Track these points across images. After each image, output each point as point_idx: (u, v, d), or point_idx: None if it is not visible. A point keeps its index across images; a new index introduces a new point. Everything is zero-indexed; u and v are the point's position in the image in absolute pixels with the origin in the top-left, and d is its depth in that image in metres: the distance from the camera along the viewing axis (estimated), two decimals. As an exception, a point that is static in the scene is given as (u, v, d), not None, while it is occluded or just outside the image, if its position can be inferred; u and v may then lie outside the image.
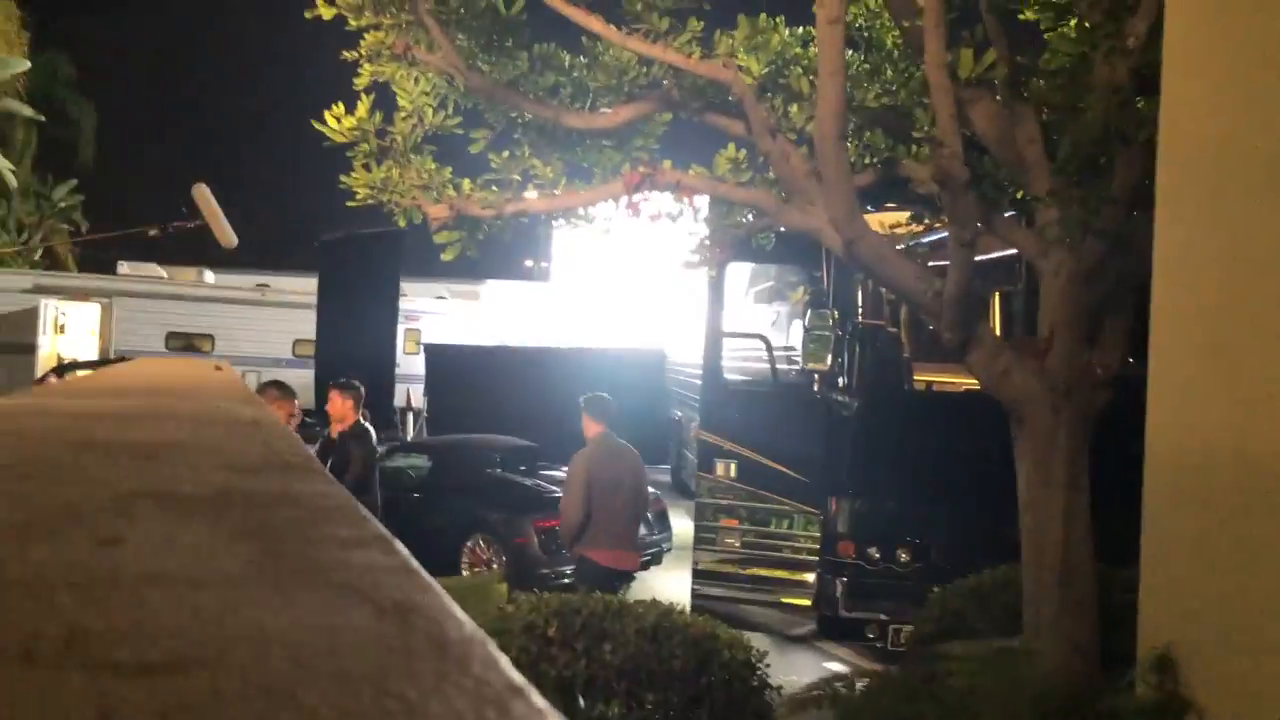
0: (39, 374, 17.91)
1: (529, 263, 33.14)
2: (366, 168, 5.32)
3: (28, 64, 19.56)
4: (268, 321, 20.06)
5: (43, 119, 20.74)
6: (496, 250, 6.76)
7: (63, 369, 15.53)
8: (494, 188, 5.61)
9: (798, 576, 8.01)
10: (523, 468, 10.92)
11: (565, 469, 7.71)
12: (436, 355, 17.51)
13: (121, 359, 17.74)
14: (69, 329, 20.03)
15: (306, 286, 20.47)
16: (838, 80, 4.50)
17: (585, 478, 6.42)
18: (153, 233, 6.83)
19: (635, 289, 21.58)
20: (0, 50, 19.62)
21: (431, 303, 22.44)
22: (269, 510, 0.69)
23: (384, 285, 18.24)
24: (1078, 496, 4.46)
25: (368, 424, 7.50)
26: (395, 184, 5.19)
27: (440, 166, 5.41)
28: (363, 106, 5.36)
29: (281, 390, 6.76)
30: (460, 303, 23.57)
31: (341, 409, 7.23)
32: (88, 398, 1.85)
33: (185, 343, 19.41)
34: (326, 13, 5.41)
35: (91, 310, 19.86)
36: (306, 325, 19.64)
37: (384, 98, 5.86)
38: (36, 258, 27.06)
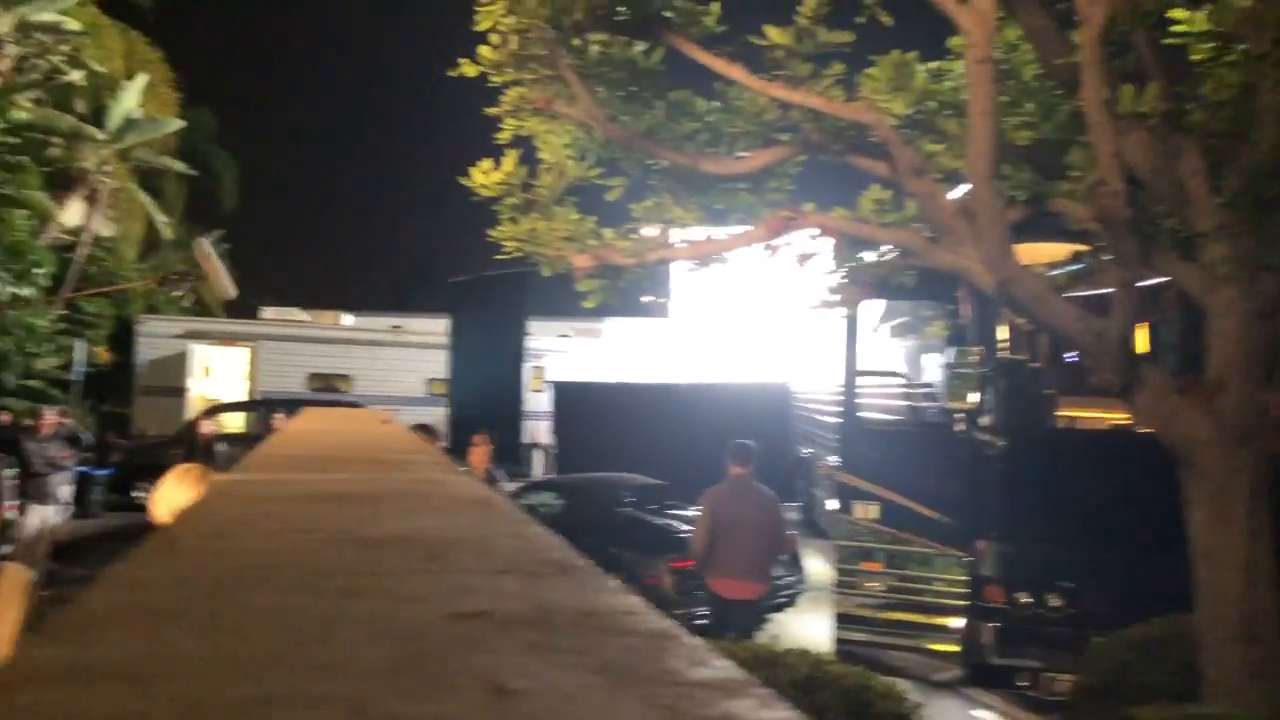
0: (188, 415, 18.87)
1: (647, 299, 33.34)
2: (513, 220, 5.45)
3: (182, 123, 20.81)
4: (402, 361, 20.70)
5: (194, 173, 21.98)
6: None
7: (213, 411, 16.30)
8: (634, 236, 5.69)
9: (941, 621, 7.77)
10: (653, 506, 10.92)
11: (694, 508, 7.79)
12: (564, 392, 17.72)
13: (265, 400, 18.54)
14: (216, 372, 21.06)
15: (438, 327, 21.10)
16: (988, 120, 4.42)
17: (710, 513, 6.91)
18: (150, 286, 7.10)
19: (756, 323, 21.48)
20: (154, 110, 20.90)
21: (555, 341, 22.80)
22: (601, 638, 0.71)
23: (511, 325, 18.66)
24: (1260, 546, 4.22)
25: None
26: (541, 236, 5.31)
27: (583, 217, 5.52)
28: (509, 161, 5.50)
29: (429, 434, 6.98)
30: (583, 340, 23.89)
31: (480, 458, 7.54)
32: (303, 472, 1.93)
33: (325, 383, 20.15)
34: (470, 70, 5.59)
35: (239, 354, 20.84)
36: (438, 364, 20.22)
37: (524, 150, 6.02)
38: (187, 305, 28.59)
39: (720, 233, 5.93)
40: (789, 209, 5.22)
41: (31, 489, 11.53)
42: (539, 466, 19.06)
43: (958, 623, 7.58)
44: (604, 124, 5.44)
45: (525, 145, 5.90)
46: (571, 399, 17.44)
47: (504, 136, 5.77)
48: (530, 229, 5.38)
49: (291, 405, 17.63)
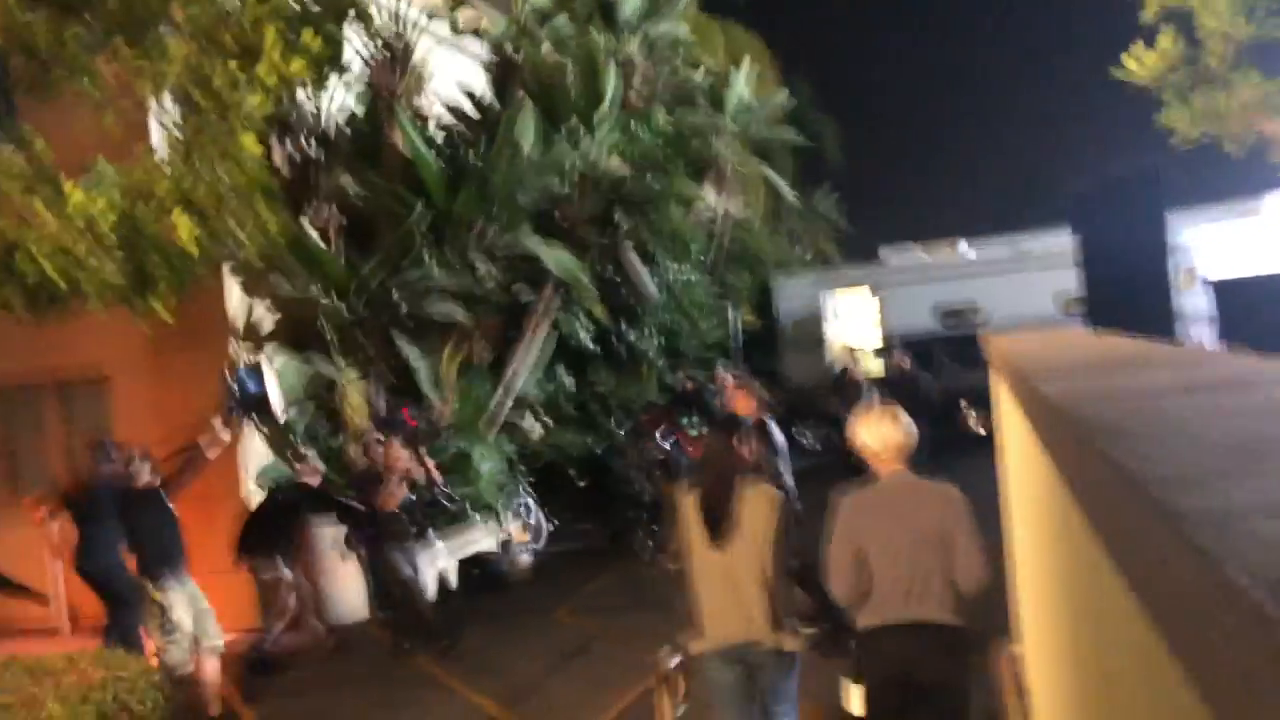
0: (829, 362, 20.22)
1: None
2: (1182, 101, 4.95)
3: (786, 94, 22.31)
4: (1030, 282, 20.00)
5: (806, 141, 23.43)
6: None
7: (854, 355, 17.24)
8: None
9: None
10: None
11: None
12: (1226, 291, 15.67)
13: (899, 340, 19.12)
14: (848, 318, 22.26)
15: (1062, 240, 19.93)
16: None
17: None
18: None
19: None
20: (760, 90, 22.65)
21: (1203, 230, 20.29)
22: None
23: (1148, 223, 16.96)
24: None
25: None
26: (1222, 109, 4.74)
27: (1268, 78, 4.82)
28: (1164, 38, 5.01)
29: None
30: (1236, 223, 20.90)
31: (745, 405, 7.58)
32: (1102, 377, 1.94)
33: (955, 316, 20.24)
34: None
35: (866, 298, 21.80)
36: (1068, 279, 19.15)
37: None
38: (808, 259, 30.66)
39: None
40: None
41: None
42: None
43: None
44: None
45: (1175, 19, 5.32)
46: (1235, 297, 15.35)
47: (1149, 12, 5.26)
48: (1202, 106, 4.83)
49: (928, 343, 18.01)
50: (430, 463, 9.34)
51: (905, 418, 4.16)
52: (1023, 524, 3.99)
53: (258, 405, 7.29)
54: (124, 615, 8.14)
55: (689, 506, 4.38)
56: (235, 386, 7.45)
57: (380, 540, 8.92)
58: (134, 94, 5.99)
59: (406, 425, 9.46)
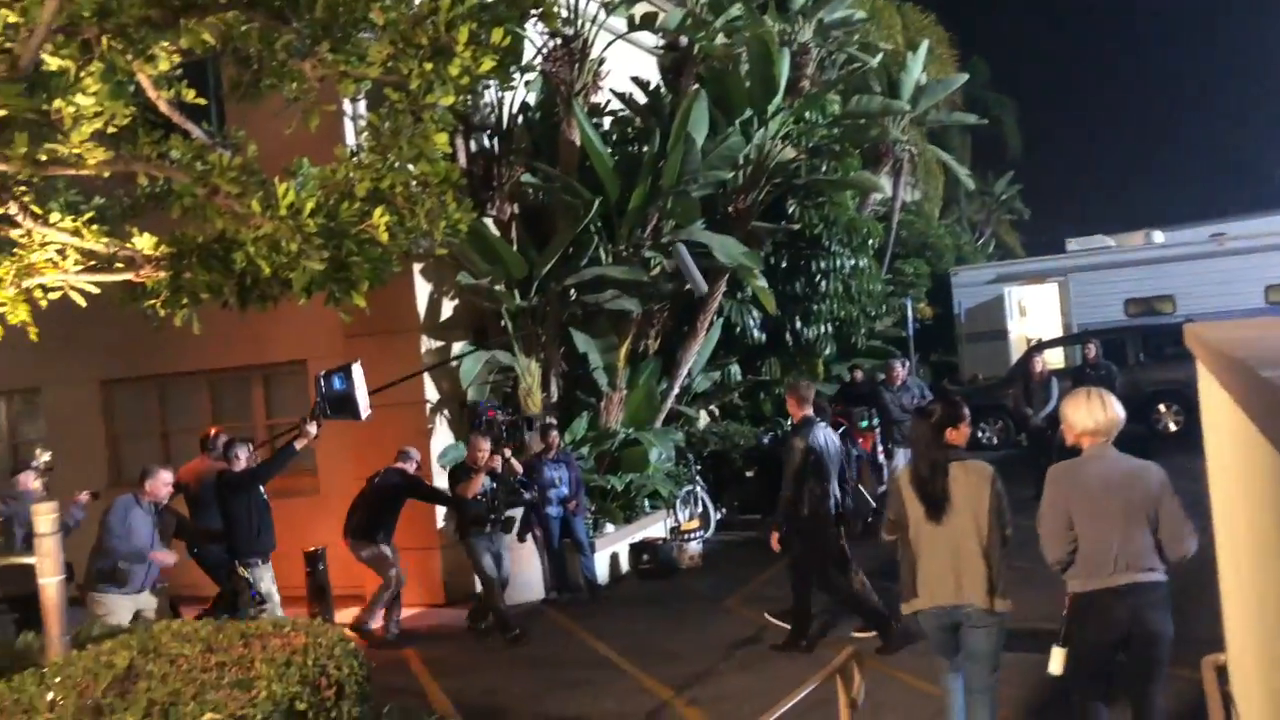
0: (1012, 358, 19.45)
1: None
2: None
3: (965, 76, 21.56)
4: (1231, 271, 18.66)
5: (985, 122, 22.59)
6: None
7: (1038, 348, 16.54)
8: None
9: None
10: None
11: None
12: None
13: (1086, 332, 18.22)
14: (1030, 311, 21.36)
15: (1271, 227, 18.58)
16: None
17: None
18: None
19: None
20: (936, 72, 21.98)
21: None
22: None
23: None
24: None
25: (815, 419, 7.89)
26: None
27: None
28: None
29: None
30: None
31: (794, 409, 8.00)
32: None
33: (1144, 307, 19.14)
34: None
35: (1049, 290, 20.87)
36: (1276, 268, 17.84)
37: None
38: (988, 249, 29.58)
39: None
40: None
41: (894, 433, 13.00)
42: None
43: None
44: None
45: None
46: None
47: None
48: None
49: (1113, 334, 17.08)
50: (509, 454, 9.66)
51: (1113, 399, 4.52)
52: (1234, 526, 3.89)
53: (342, 404, 7.73)
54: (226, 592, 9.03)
55: (905, 484, 4.97)
56: (322, 385, 7.88)
57: (468, 525, 9.40)
58: (335, 97, 6.36)
59: (488, 418, 9.82)
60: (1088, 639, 4.40)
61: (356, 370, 7.75)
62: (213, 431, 10.07)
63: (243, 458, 8.73)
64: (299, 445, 8.25)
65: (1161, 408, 16.05)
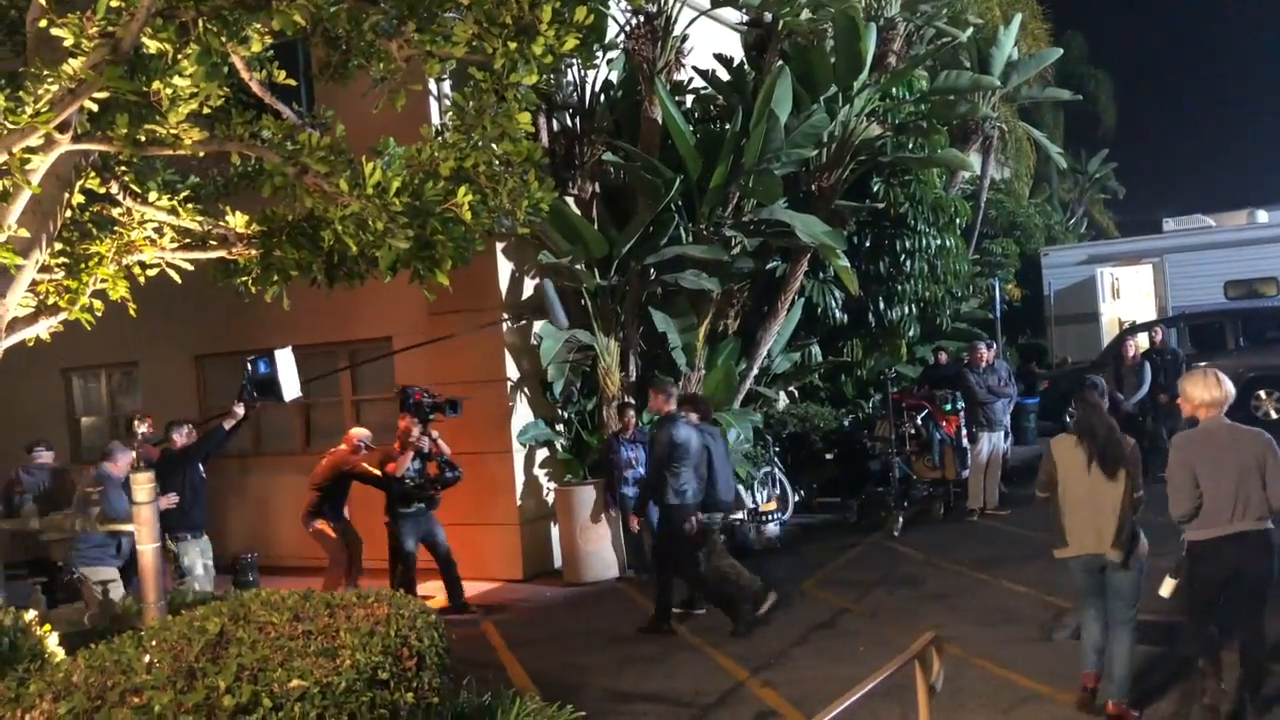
0: (1103, 341, 18.87)
1: None
2: None
3: (1059, 51, 20.85)
4: (1344, 252, 17.82)
5: (1079, 98, 21.86)
6: None
7: (1132, 331, 16.03)
8: None
9: None
10: None
11: None
12: None
13: (1182, 315, 17.58)
14: (1124, 293, 20.68)
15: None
16: None
17: None
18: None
19: None
20: (1029, 47, 21.34)
21: None
22: None
23: None
24: None
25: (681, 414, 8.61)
26: None
27: None
28: None
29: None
30: None
31: (654, 404, 8.72)
32: None
33: (1246, 290, 18.37)
34: None
35: (1144, 272, 20.19)
36: (1391, 249, 16.98)
37: None
38: (1080, 229, 28.67)
39: None
40: None
41: (979, 416, 12.73)
42: None
43: None
44: None
45: None
46: None
47: None
48: None
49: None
50: (436, 435, 9.80)
51: (1224, 377, 5.34)
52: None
53: (266, 387, 7.93)
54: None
55: (1061, 448, 5.76)
56: (249, 370, 8.06)
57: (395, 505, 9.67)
58: (420, 76, 6.42)
59: (414, 401, 9.83)
60: (1202, 575, 5.29)
61: (281, 355, 7.95)
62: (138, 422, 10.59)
63: (178, 439, 9.40)
64: (227, 425, 8.90)
65: (1261, 394, 15.44)
